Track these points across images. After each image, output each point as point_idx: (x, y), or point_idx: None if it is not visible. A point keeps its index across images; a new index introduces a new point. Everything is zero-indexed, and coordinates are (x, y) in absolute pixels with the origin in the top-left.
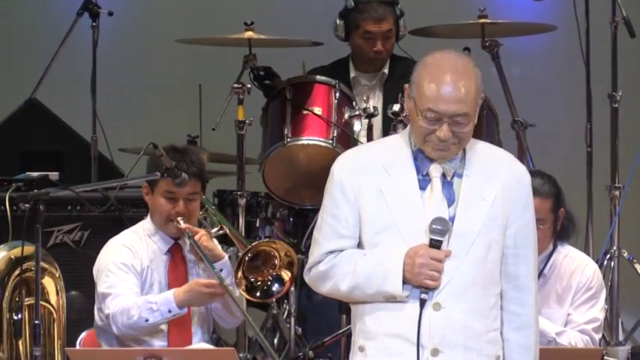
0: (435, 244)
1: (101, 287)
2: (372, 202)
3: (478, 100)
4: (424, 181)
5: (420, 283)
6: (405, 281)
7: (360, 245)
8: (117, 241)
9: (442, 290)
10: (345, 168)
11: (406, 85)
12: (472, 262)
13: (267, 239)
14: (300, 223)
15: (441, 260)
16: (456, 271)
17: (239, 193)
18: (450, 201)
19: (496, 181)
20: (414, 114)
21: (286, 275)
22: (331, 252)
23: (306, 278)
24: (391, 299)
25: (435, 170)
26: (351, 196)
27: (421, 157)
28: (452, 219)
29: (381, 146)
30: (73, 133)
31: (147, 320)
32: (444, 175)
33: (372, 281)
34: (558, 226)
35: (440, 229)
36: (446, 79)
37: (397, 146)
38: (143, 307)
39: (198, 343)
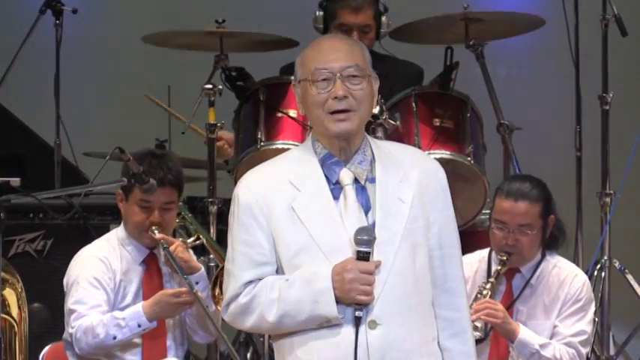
0: (363, 256)
1: (69, 302)
2: (286, 222)
3: (367, 61)
4: (336, 190)
5: (353, 301)
6: (336, 300)
7: (279, 272)
8: (89, 251)
9: (374, 306)
10: (250, 190)
11: (293, 83)
12: (400, 271)
13: None
14: None
15: (371, 272)
16: (385, 284)
17: (210, 200)
18: (367, 208)
19: (411, 181)
20: (306, 93)
21: None
22: (249, 282)
23: (225, 317)
24: (325, 323)
25: (345, 176)
26: (261, 220)
27: (328, 165)
28: (372, 226)
29: (283, 161)
30: (35, 137)
31: (115, 337)
32: (356, 181)
33: (302, 306)
34: (547, 233)
35: (366, 240)
36: (326, 42)
37: (301, 157)
38: (110, 324)
39: (168, 359)
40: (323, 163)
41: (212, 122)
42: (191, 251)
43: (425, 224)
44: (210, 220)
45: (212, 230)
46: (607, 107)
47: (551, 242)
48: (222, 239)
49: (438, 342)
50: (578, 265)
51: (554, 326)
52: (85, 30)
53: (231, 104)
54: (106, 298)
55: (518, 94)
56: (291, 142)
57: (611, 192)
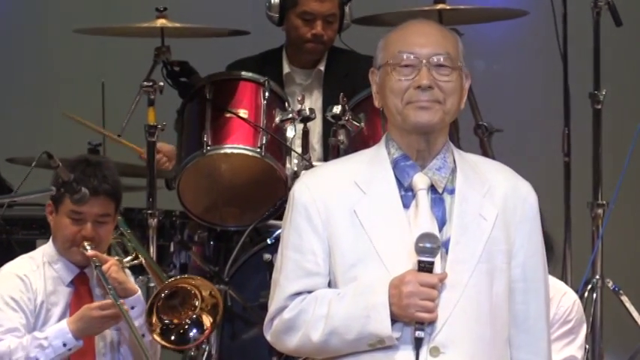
0: (425, 267)
1: None
2: (345, 228)
3: (461, 54)
4: (408, 198)
5: (412, 318)
6: (393, 318)
7: (332, 284)
8: (9, 268)
9: (440, 330)
10: (308, 188)
11: (372, 70)
12: (474, 296)
13: (187, 275)
14: (222, 248)
15: (434, 286)
16: (455, 306)
17: (149, 211)
18: (442, 222)
19: (496, 198)
20: (385, 79)
21: (207, 320)
22: (297, 294)
23: (268, 334)
24: (378, 344)
25: (420, 181)
26: (317, 223)
27: (402, 167)
28: (446, 243)
29: (350, 160)
30: None
31: None
32: (433, 189)
33: (351, 323)
34: None
35: (429, 248)
36: (415, 25)
37: (372, 157)
38: (30, 345)
39: None
40: (396, 164)
41: (152, 124)
42: (128, 271)
43: (507, 249)
44: (149, 234)
45: (152, 247)
46: (599, 106)
47: None
48: (163, 256)
49: None
50: (566, 284)
51: None
52: (10, 22)
53: (173, 103)
54: (25, 322)
55: (498, 92)
56: (241, 145)
57: (604, 202)
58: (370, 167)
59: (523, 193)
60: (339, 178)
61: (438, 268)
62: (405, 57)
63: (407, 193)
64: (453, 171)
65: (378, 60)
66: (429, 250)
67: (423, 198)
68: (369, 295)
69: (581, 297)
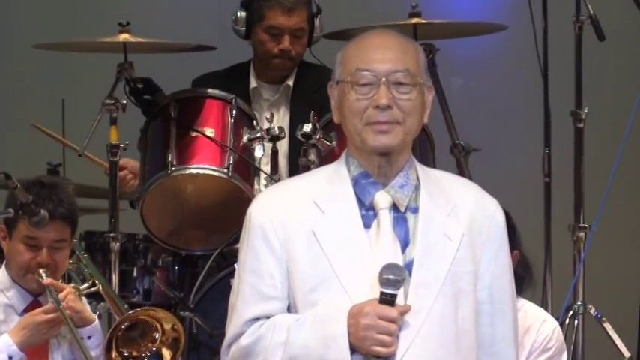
0: (387, 300)
1: None
2: (304, 250)
3: (422, 67)
4: (369, 218)
5: (368, 351)
6: (352, 347)
7: (292, 308)
8: None
9: (402, 358)
10: (266, 208)
11: (330, 84)
12: (438, 321)
13: (148, 307)
14: (187, 273)
15: (393, 320)
16: (418, 332)
17: (111, 235)
18: (405, 242)
19: (462, 216)
20: (343, 97)
21: (168, 354)
22: (255, 319)
23: (225, 359)
24: None
25: (381, 200)
26: (275, 244)
27: (363, 185)
28: (409, 265)
29: (310, 178)
30: None
31: None
32: (395, 208)
33: (310, 352)
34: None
35: (392, 280)
36: (375, 38)
37: (332, 174)
38: None
39: None
40: (356, 182)
41: (114, 143)
42: (84, 299)
43: (473, 270)
44: (111, 258)
45: (114, 272)
46: (581, 125)
47: (516, 283)
48: (126, 281)
49: None
50: (546, 310)
51: None
52: None
53: (136, 122)
54: None
55: (475, 110)
56: (207, 166)
57: (586, 225)
58: (330, 186)
59: (490, 211)
60: (297, 197)
61: (400, 292)
62: (363, 74)
63: (368, 213)
64: (417, 188)
65: (337, 74)
66: (393, 283)
67: (385, 218)
68: (329, 323)
69: (562, 324)
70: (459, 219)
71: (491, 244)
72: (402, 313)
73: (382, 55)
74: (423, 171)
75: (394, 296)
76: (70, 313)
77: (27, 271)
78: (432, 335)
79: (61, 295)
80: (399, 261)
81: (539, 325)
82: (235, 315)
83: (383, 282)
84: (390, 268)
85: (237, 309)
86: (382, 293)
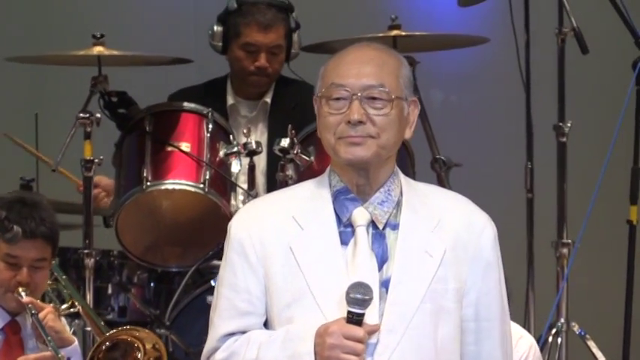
0: (354, 319)
1: None
2: (281, 266)
3: (402, 82)
4: (347, 235)
5: None
6: None
7: (269, 323)
8: None
9: None
10: (245, 223)
11: (315, 98)
12: (415, 340)
13: (129, 327)
14: (163, 290)
15: (360, 340)
16: (393, 352)
17: (86, 251)
18: (383, 259)
19: (446, 232)
20: (319, 112)
21: None
22: (231, 334)
23: None
24: None
25: (359, 216)
26: (253, 260)
27: (341, 200)
28: (386, 282)
29: (291, 192)
30: None
31: None
32: (374, 224)
33: None
34: None
35: (360, 299)
36: (353, 54)
37: (312, 190)
38: None
39: None
40: (336, 198)
41: (88, 158)
42: (64, 320)
43: (457, 288)
44: (86, 275)
45: (89, 289)
46: (564, 139)
47: None
48: (100, 298)
49: None
50: (529, 329)
51: None
52: None
53: (111, 136)
54: None
55: (457, 124)
56: (183, 181)
57: (569, 241)
58: (310, 201)
59: (478, 227)
60: (277, 212)
61: (375, 311)
62: (336, 90)
63: (346, 229)
64: (398, 204)
65: (317, 89)
66: (360, 302)
67: (362, 235)
68: (297, 342)
69: (545, 342)
70: (443, 235)
71: (478, 262)
72: (370, 333)
73: (357, 70)
74: (409, 185)
75: (361, 315)
76: (50, 333)
77: (6, 290)
78: (409, 355)
79: (41, 315)
80: (375, 279)
81: (516, 342)
82: (212, 330)
83: (350, 301)
84: (356, 287)
85: (215, 324)
86: (349, 312)
